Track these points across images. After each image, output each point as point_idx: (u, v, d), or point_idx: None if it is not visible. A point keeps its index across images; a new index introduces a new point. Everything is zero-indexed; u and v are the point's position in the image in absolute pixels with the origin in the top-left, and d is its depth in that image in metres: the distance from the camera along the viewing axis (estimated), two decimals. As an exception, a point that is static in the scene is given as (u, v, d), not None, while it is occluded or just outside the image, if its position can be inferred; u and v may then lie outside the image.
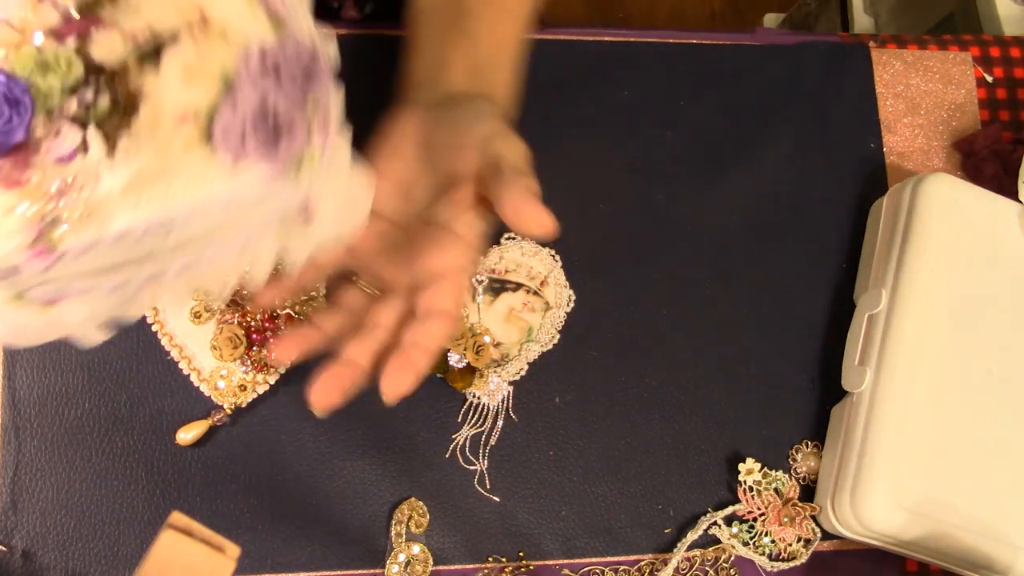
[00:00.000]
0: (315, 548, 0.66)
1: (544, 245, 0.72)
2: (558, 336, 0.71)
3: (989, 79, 0.81)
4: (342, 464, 0.67)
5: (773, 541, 0.69)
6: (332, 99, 0.47)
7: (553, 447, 0.70)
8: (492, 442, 0.69)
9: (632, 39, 0.78)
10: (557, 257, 0.72)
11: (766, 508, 0.70)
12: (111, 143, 0.42)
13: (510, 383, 0.70)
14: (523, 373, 0.70)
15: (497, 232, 0.72)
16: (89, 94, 0.42)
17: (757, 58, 0.79)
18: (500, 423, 0.69)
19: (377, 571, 0.66)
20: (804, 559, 0.69)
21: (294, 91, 0.44)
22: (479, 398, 0.69)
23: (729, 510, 0.70)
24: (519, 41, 0.54)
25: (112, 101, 0.42)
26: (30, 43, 0.41)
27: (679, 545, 0.69)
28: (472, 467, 0.69)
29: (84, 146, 0.41)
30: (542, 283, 0.72)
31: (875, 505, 0.65)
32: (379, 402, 0.68)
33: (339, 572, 0.66)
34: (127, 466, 0.65)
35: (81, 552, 0.64)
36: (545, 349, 0.71)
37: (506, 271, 0.71)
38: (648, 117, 0.76)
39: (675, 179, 0.75)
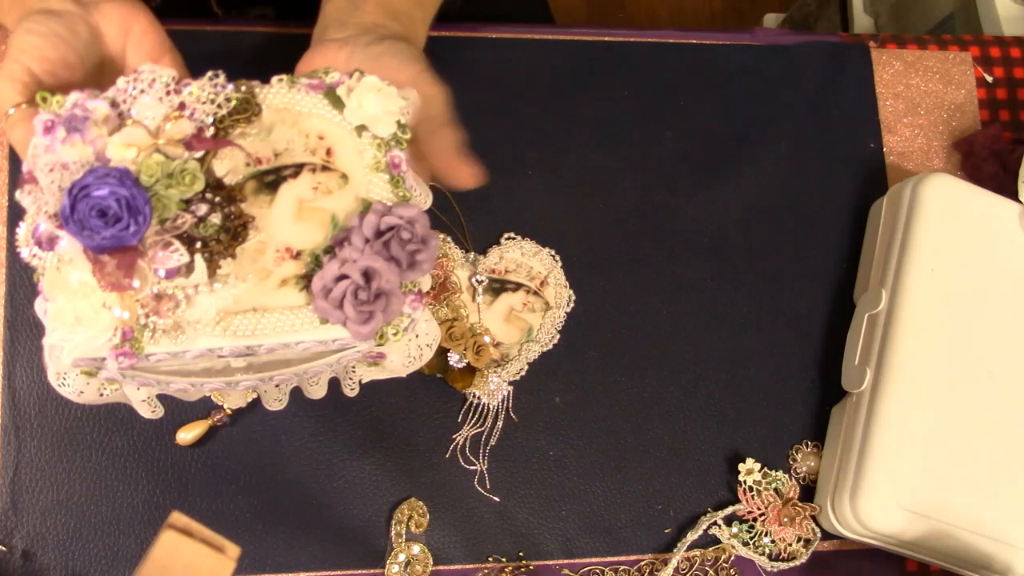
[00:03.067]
0: (315, 548, 0.66)
1: (544, 245, 0.72)
2: (558, 336, 0.71)
3: (989, 79, 0.81)
4: (342, 464, 0.67)
5: (773, 541, 0.69)
6: (426, 281, 0.49)
7: (553, 447, 0.70)
8: (492, 442, 0.69)
9: (632, 39, 0.78)
10: (557, 257, 0.72)
11: (766, 508, 0.70)
12: (213, 267, 0.43)
13: (510, 383, 0.70)
14: (523, 373, 0.70)
15: (497, 232, 0.72)
16: (203, 209, 0.43)
17: (757, 58, 0.79)
18: (500, 423, 0.69)
19: (377, 571, 0.66)
20: (804, 559, 0.69)
21: (398, 269, 0.46)
22: (479, 398, 0.69)
23: (729, 510, 0.70)
24: None
25: (223, 221, 0.43)
26: (161, 150, 0.43)
27: (679, 545, 0.69)
28: (472, 467, 0.69)
29: (189, 267, 0.43)
30: (542, 283, 0.72)
31: (875, 505, 0.65)
32: (379, 402, 0.68)
33: (339, 572, 0.66)
34: (127, 466, 0.65)
35: (81, 552, 0.64)
36: (545, 349, 0.71)
37: (506, 271, 0.71)
38: (648, 117, 0.76)
39: (675, 179, 0.75)
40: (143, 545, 0.64)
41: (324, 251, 0.46)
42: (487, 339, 0.69)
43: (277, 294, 0.45)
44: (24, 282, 0.66)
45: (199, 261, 0.43)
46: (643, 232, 0.74)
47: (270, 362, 0.48)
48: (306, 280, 0.46)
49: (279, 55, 0.72)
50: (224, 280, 0.44)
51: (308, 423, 0.67)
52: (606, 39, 0.77)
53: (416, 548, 0.66)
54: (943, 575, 0.71)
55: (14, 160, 0.67)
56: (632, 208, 0.74)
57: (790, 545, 0.69)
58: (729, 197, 0.76)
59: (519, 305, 0.71)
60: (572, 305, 0.72)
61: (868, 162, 0.78)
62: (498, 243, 0.72)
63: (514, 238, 0.72)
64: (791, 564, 0.69)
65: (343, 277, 0.45)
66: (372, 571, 0.66)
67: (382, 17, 0.56)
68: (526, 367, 0.70)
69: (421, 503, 0.67)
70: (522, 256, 0.72)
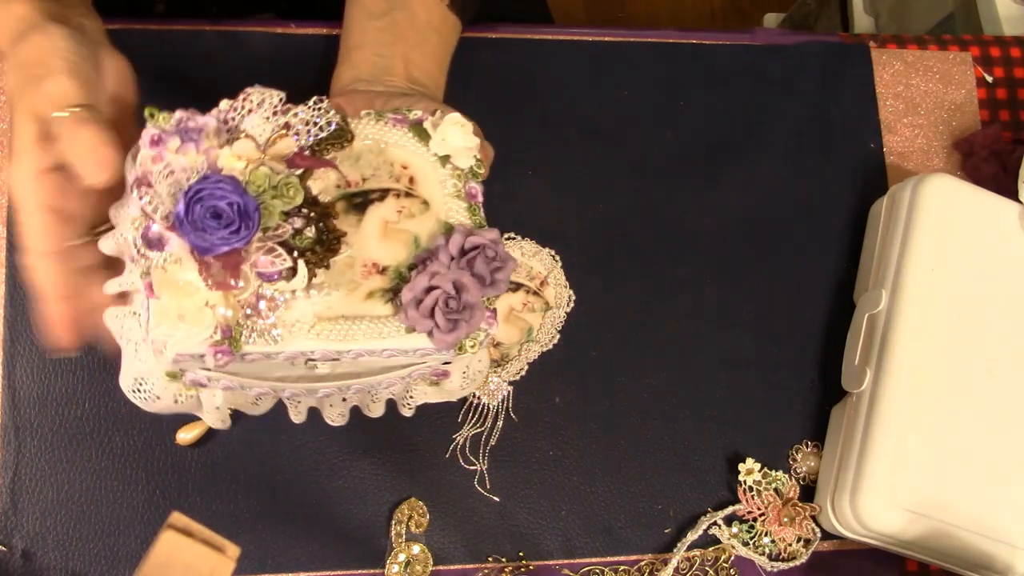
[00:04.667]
0: (315, 548, 0.66)
1: (544, 245, 0.72)
2: (558, 336, 0.71)
3: (989, 79, 0.81)
4: (342, 464, 0.67)
5: (773, 541, 0.69)
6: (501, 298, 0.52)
7: (553, 447, 0.70)
8: (492, 442, 0.69)
9: (632, 39, 0.78)
10: (557, 257, 0.72)
11: (766, 508, 0.70)
12: (310, 275, 0.47)
13: (510, 383, 0.70)
14: (523, 373, 0.70)
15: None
16: (299, 222, 0.46)
17: (757, 58, 0.79)
18: (500, 423, 0.69)
19: (377, 571, 0.66)
20: (804, 559, 0.69)
21: (481, 285, 0.49)
22: (479, 398, 0.69)
23: (729, 510, 0.70)
24: (444, 51, 0.66)
25: (317, 235, 0.47)
26: (266, 164, 0.46)
27: (679, 545, 0.69)
28: (472, 467, 0.69)
29: (291, 271, 0.46)
30: (542, 283, 0.72)
31: (875, 505, 0.65)
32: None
33: (339, 572, 0.66)
34: (127, 466, 0.65)
35: (81, 552, 0.64)
36: (545, 349, 0.71)
37: (506, 271, 0.71)
38: (648, 117, 0.76)
39: (675, 179, 0.75)
40: (143, 545, 0.64)
41: (408, 268, 0.50)
42: (487, 339, 0.69)
43: (364, 305, 0.49)
44: (24, 282, 0.66)
45: (301, 267, 0.46)
46: (643, 232, 0.74)
47: (348, 372, 0.52)
48: (391, 293, 0.49)
49: (279, 56, 0.72)
50: (319, 288, 0.48)
51: (309, 424, 0.67)
52: (606, 39, 0.77)
53: (416, 548, 0.66)
54: (943, 575, 0.71)
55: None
56: (632, 208, 0.74)
57: (790, 545, 0.69)
58: (729, 197, 0.76)
59: (519, 305, 0.71)
60: (572, 305, 0.72)
61: (868, 162, 0.78)
62: (498, 243, 0.72)
63: (514, 238, 0.72)
64: (791, 564, 0.69)
65: (433, 288, 0.48)
66: (372, 571, 0.66)
67: (408, 82, 0.62)
68: (526, 367, 0.70)
69: (421, 503, 0.67)
70: (522, 256, 0.72)
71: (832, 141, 0.78)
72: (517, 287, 0.71)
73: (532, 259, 0.72)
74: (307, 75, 0.71)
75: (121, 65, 0.53)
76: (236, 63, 0.71)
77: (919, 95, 0.80)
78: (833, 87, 0.79)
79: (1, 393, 0.65)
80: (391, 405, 0.61)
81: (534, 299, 0.71)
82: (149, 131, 0.46)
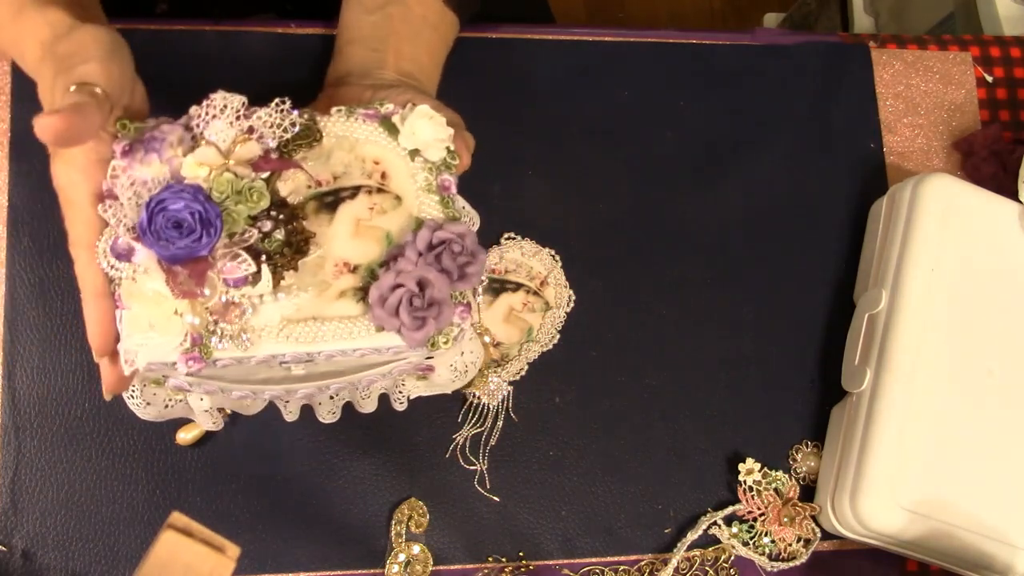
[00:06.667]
0: (315, 548, 0.66)
1: (544, 245, 0.72)
2: (558, 336, 0.71)
3: (989, 79, 0.81)
4: (342, 464, 0.67)
5: (773, 541, 0.69)
6: (475, 292, 0.51)
7: (553, 447, 0.70)
8: (492, 442, 0.69)
9: (632, 39, 0.78)
10: (557, 257, 0.72)
11: (766, 508, 0.70)
12: (277, 278, 0.47)
13: (510, 383, 0.70)
14: (523, 373, 0.70)
15: (497, 232, 0.72)
16: (268, 225, 0.47)
17: (757, 58, 0.79)
18: (500, 423, 0.69)
19: (377, 571, 0.66)
20: (804, 559, 0.69)
21: (449, 280, 0.49)
22: (479, 398, 0.69)
23: (729, 510, 0.70)
24: (440, 47, 0.66)
25: (286, 237, 0.47)
26: (231, 170, 0.46)
27: (679, 545, 0.69)
28: (472, 467, 0.69)
29: (256, 277, 0.46)
30: (542, 283, 0.72)
31: (875, 505, 0.65)
32: (379, 402, 0.68)
33: (339, 572, 0.66)
34: (127, 466, 0.65)
35: (81, 552, 0.64)
36: (545, 349, 0.71)
37: (506, 271, 0.71)
38: (648, 117, 0.76)
39: (675, 179, 0.75)
40: (143, 545, 0.64)
41: (379, 265, 0.49)
42: (487, 339, 0.69)
43: (335, 305, 0.49)
44: (24, 283, 0.66)
45: (265, 271, 0.46)
46: (643, 232, 0.74)
47: (327, 371, 0.52)
48: (363, 292, 0.49)
49: (279, 56, 0.72)
50: (287, 290, 0.48)
51: (308, 423, 0.67)
52: (606, 39, 0.77)
53: (416, 548, 0.66)
54: (943, 575, 0.71)
55: (15, 160, 0.67)
56: (632, 208, 0.74)
57: (790, 545, 0.69)
58: (729, 197, 0.76)
59: (519, 305, 0.71)
60: (572, 305, 0.72)
61: (868, 162, 0.78)
62: (498, 243, 0.72)
63: (514, 238, 0.72)
64: (791, 564, 0.69)
65: (399, 286, 0.48)
66: (372, 571, 0.66)
67: (399, 75, 0.61)
68: (526, 367, 0.70)
69: (421, 503, 0.67)
70: (522, 256, 0.72)
71: (832, 141, 0.78)
72: (517, 287, 0.71)
73: (532, 259, 0.72)
74: (307, 75, 0.71)
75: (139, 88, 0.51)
76: (236, 63, 0.71)
77: (919, 95, 0.80)
78: (833, 87, 0.79)
79: (1, 393, 0.65)
80: (383, 400, 0.61)
81: (534, 299, 0.71)
82: (120, 142, 0.47)
